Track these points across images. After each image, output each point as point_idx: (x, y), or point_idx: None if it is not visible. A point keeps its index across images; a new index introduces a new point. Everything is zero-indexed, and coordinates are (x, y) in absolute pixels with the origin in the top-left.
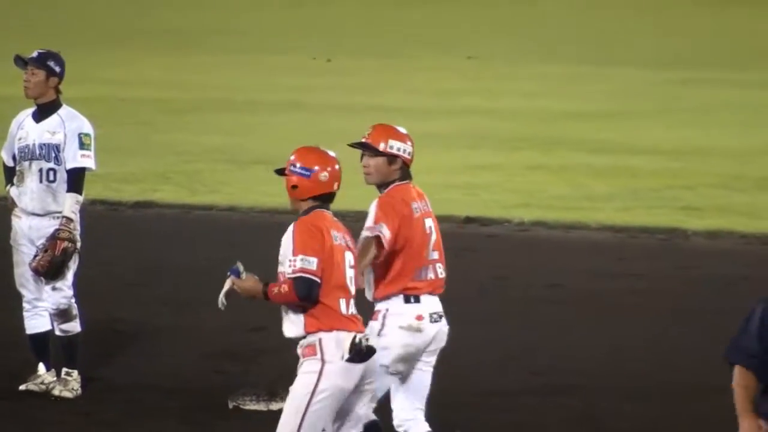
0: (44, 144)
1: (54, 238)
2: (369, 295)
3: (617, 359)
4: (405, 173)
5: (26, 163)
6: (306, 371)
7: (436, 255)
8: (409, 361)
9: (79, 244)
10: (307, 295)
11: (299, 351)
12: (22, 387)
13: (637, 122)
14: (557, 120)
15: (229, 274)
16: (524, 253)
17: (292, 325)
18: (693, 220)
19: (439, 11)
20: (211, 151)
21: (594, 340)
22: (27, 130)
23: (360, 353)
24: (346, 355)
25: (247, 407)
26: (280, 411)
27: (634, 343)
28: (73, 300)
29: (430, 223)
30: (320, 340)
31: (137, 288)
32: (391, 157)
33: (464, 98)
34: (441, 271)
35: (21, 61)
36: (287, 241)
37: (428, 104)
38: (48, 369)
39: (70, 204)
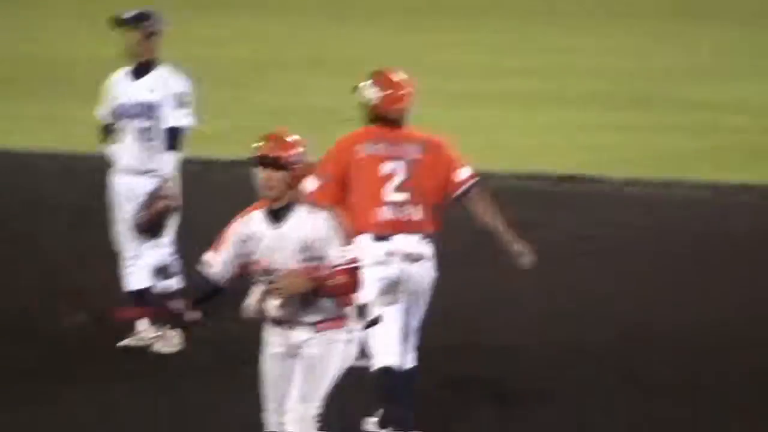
0: (142, 102)
1: (154, 196)
2: None
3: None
4: (375, 120)
5: (123, 122)
6: (340, 340)
7: (401, 196)
8: (389, 293)
9: (178, 202)
10: (359, 282)
11: (309, 326)
12: (122, 343)
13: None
14: (652, 78)
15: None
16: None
17: (318, 309)
18: None
19: None
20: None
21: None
22: (124, 88)
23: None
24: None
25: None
26: None
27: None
28: (172, 257)
29: (393, 165)
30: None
31: None
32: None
33: (557, 56)
34: (410, 213)
35: (119, 22)
36: (323, 227)
37: (520, 63)
38: (148, 325)
39: (169, 162)
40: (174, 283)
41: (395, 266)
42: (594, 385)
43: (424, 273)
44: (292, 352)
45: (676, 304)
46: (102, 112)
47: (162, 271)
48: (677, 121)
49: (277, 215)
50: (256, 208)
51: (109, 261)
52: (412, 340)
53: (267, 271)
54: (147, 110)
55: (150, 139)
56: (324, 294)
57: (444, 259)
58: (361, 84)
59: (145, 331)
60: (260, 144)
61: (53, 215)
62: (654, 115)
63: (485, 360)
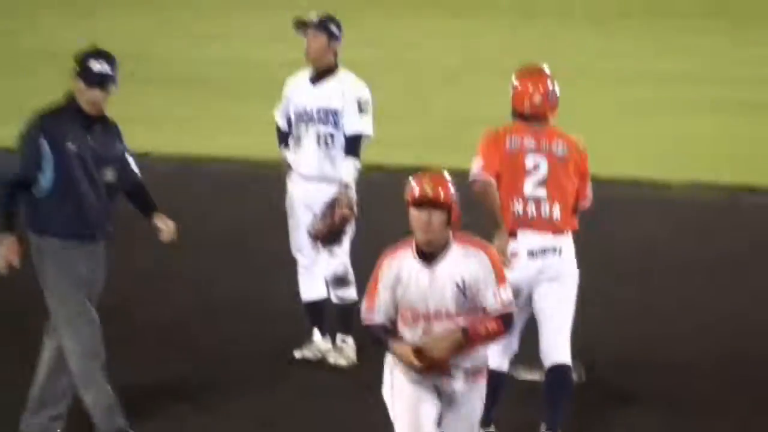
0: (322, 108)
1: (333, 204)
2: None
3: None
4: (521, 119)
5: (303, 127)
6: (484, 385)
7: (541, 192)
8: (518, 297)
9: (356, 211)
10: (512, 327)
11: (462, 374)
12: (297, 354)
13: None
14: None
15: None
16: None
17: (469, 357)
18: None
19: None
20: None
21: None
22: (304, 93)
23: None
24: None
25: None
26: None
27: None
28: (349, 266)
29: (537, 160)
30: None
31: None
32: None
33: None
34: (545, 210)
35: (302, 25)
36: (479, 269)
37: (695, 71)
38: (323, 336)
39: (348, 169)
40: (352, 293)
41: (526, 266)
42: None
43: (561, 265)
44: (443, 395)
45: None
46: (279, 116)
47: (339, 281)
48: None
49: (430, 255)
50: (405, 247)
51: (274, 271)
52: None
53: (419, 316)
54: (328, 116)
55: (328, 145)
56: (476, 344)
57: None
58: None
59: (319, 342)
60: (418, 184)
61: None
62: None
63: (652, 373)
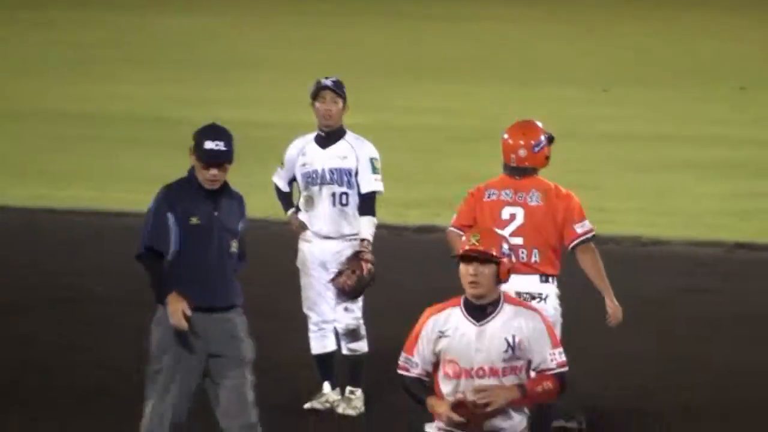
0: (335, 169)
1: (358, 258)
2: None
3: None
4: (508, 170)
5: (315, 188)
6: None
7: (517, 240)
8: None
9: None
10: (566, 387)
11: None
12: (307, 405)
13: None
14: None
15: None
16: None
17: (508, 416)
18: None
19: (707, 44)
20: None
21: None
22: (312, 155)
23: None
24: None
25: None
26: None
27: None
28: (361, 321)
29: (512, 210)
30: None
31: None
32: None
33: (735, 128)
34: (524, 255)
35: (328, 87)
36: (533, 329)
37: (697, 132)
38: (333, 388)
39: (368, 226)
40: (363, 346)
41: None
42: None
43: (548, 311)
44: None
45: None
46: (279, 179)
47: (352, 334)
48: None
49: (480, 312)
50: (452, 304)
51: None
52: None
53: (461, 371)
54: (342, 176)
55: (344, 204)
56: (529, 402)
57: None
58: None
59: (329, 393)
60: (467, 239)
61: None
62: None
63: (651, 420)
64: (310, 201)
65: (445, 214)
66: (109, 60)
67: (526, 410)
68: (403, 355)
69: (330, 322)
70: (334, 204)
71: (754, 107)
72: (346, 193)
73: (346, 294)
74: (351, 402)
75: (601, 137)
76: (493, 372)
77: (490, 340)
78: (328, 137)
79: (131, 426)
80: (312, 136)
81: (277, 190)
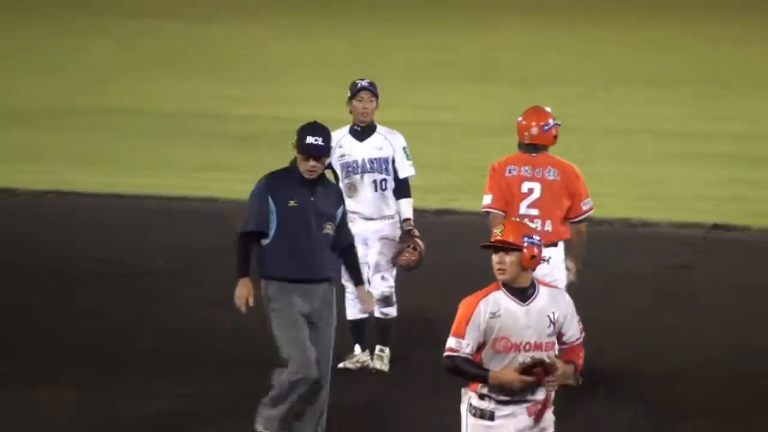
0: (375, 159)
1: (411, 236)
2: None
3: None
4: (523, 148)
5: (357, 177)
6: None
7: (534, 211)
8: None
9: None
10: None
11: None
12: (340, 365)
13: None
14: None
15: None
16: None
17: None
18: None
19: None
20: None
21: None
22: (351, 147)
23: None
24: None
25: None
26: None
27: None
28: (394, 288)
29: (531, 185)
30: None
31: (445, 284)
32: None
33: (715, 124)
34: (539, 225)
35: (366, 88)
36: (567, 306)
37: (680, 127)
38: (363, 350)
39: (408, 207)
40: (394, 311)
41: None
42: None
43: (549, 270)
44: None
45: None
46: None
47: (386, 300)
48: None
49: (523, 294)
50: (493, 288)
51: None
52: None
53: (511, 346)
54: (381, 165)
55: (384, 189)
56: (577, 372)
57: None
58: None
59: (359, 354)
60: (495, 231)
61: None
62: None
63: (643, 380)
64: (352, 188)
65: (462, 198)
66: (159, 63)
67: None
68: (452, 339)
69: (370, 288)
70: (375, 189)
71: (734, 106)
72: (385, 179)
73: (412, 268)
74: (382, 359)
75: (597, 131)
76: (538, 346)
77: (536, 318)
78: (363, 131)
79: (185, 379)
80: (346, 129)
81: None
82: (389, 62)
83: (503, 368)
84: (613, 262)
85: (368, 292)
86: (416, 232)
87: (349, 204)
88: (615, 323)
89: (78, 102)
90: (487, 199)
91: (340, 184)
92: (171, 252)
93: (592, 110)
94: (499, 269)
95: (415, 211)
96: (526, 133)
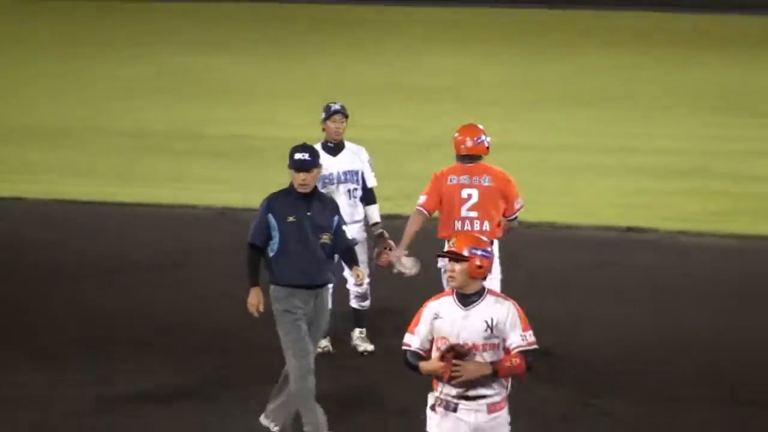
0: (347, 171)
1: (384, 238)
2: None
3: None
4: (459, 159)
5: (333, 187)
6: (507, 421)
7: (473, 214)
8: None
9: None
10: (532, 363)
11: (485, 406)
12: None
13: (755, 159)
14: (701, 156)
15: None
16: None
17: (487, 386)
18: None
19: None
20: None
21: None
22: (326, 162)
23: None
24: None
25: None
26: None
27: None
28: (368, 286)
29: (469, 191)
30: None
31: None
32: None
33: (628, 140)
34: (477, 225)
35: (340, 111)
36: (507, 314)
37: (599, 143)
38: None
39: (377, 212)
40: (368, 304)
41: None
42: None
43: None
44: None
45: None
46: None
47: (362, 297)
48: (717, 188)
49: (466, 300)
50: (446, 294)
51: None
52: None
53: (453, 347)
54: (353, 176)
55: (354, 197)
56: (501, 375)
57: None
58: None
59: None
60: (451, 242)
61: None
62: (696, 183)
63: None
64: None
65: (408, 205)
66: (168, 90)
67: (504, 383)
68: (407, 335)
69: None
70: (349, 198)
71: (645, 125)
72: (356, 189)
73: (390, 266)
74: (364, 339)
75: (523, 147)
76: (475, 347)
77: (472, 321)
78: (335, 147)
79: (173, 361)
80: (319, 146)
81: None
82: (341, 87)
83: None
84: (541, 260)
85: (359, 271)
86: (386, 234)
87: None
88: (542, 312)
89: (75, 123)
90: (422, 199)
91: None
92: (156, 253)
93: (521, 128)
94: (450, 276)
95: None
96: (462, 146)
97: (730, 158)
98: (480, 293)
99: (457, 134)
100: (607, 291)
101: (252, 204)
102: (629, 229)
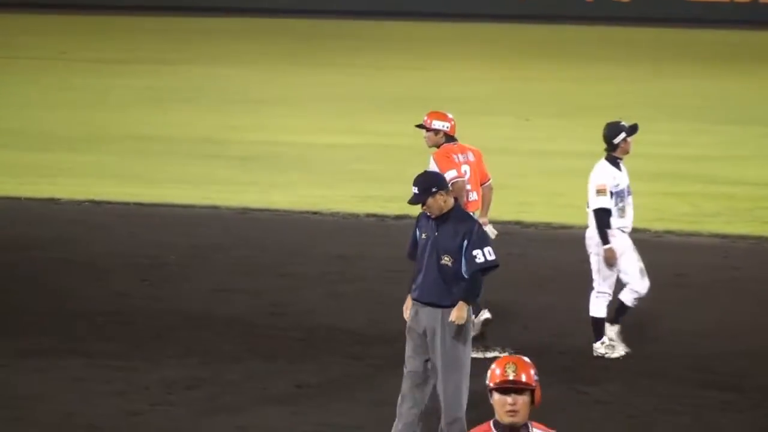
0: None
1: None
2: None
3: (724, 324)
4: (448, 138)
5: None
6: None
7: (468, 187)
8: None
9: None
10: None
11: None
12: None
13: (738, 164)
14: (684, 161)
15: None
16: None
17: None
18: None
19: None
20: None
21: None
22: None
23: None
24: None
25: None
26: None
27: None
28: None
29: (465, 167)
30: None
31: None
32: (436, 131)
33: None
34: (472, 197)
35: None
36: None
37: (591, 149)
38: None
39: None
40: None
41: None
42: None
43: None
44: None
45: None
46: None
47: None
48: (701, 190)
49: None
50: (484, 427)
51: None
52: None
53: None
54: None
55: None
56: None
57: None
58: (434, 121)
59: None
60: (500, 368)
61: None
62: (683, 186)
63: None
64: None
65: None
66: (174, 99)
67: None
68: None
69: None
70: None
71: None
72: None
73: None
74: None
75: (522, 153)
76: None
77: None
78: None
79: (191, 350)
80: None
81: None
82: (358, 98)
83: None
84: (539, 258)
85: (455, 313)
86: None
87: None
88: (539, 306)
89: (109, 130)
90: (453, 173)
91: None
92: (181, 249)
93: (519, 135)
94: (510, 411)
95: (379, 216)
96: (455, 129)
97: (712, 162)
98: (526, 426)
99: (452, 120)
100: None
101: (271, 205)
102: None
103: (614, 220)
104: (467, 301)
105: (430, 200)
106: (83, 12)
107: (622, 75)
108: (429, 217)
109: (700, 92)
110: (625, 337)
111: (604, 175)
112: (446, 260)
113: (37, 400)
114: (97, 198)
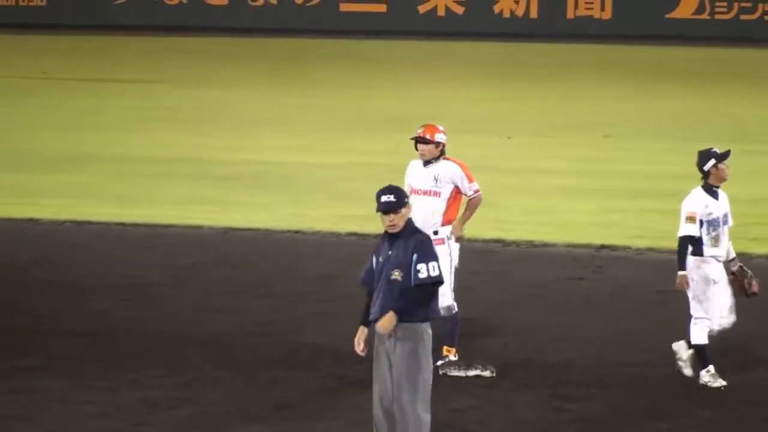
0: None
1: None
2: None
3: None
4: (442, 151)
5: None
6: None
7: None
8: None
9: None
10: None
11: None
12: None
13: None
14: (667, 179)
15: None
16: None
17: None
18: (758, 247)
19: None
20: None
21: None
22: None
23: None
24: None
25: (451, 374)
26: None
27: None
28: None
29: None
30: None
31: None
32: (437, 143)
33: (600, 164)
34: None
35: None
36: None
37: (573, 167)
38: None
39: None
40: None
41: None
42: None
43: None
44: None
45: None
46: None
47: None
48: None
49: None
50: None
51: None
52: None
53: None
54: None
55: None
56: None
57: None
58: (437, 134)
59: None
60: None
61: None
62: (664, 203)
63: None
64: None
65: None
66: (158, 119)
67: None
68: None
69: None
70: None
71: (615, 150)
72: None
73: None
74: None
75: (503, 171)
76: None
77: None
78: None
79: (174, 369)
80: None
81: None
82: (336, 118)
83: None
84: (521, 276)
85: (385, 319)
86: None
87: None
88: (521, 323)
89: (91, 150)
90: (477, 185)
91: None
92: (163, 269)
93: (500, 153)
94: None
95: (361, 235)
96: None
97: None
98: None
99: (441, 131)
100: (582, 304)
101: (253, 224)
102: (603, 246)
103: (707, 249)
104: (398, 313)
105: (403, 210)
106: (64, 32)
107: (604, 93)
108: (383, 240)
109: (682, 110)
110: (602, 354)
111: (695, 202)
112: (396, 275)
113: (18, 420)
114: (79, 218)
